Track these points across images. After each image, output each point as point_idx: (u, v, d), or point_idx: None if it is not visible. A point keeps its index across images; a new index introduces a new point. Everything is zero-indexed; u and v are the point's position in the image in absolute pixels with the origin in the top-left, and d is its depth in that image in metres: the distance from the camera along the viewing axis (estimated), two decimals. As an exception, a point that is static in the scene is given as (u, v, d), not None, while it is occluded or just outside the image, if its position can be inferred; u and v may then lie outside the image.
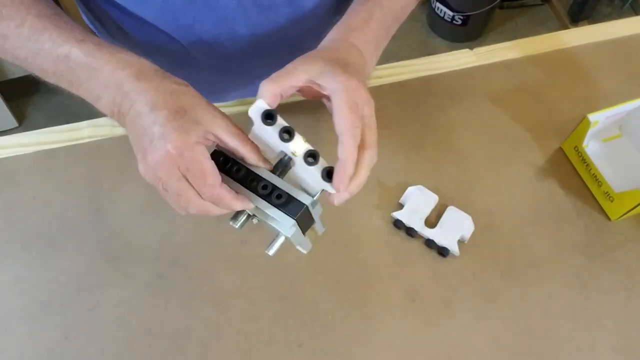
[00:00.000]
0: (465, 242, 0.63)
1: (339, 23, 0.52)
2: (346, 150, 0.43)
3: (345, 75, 0.44)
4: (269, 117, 0.43)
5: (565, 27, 2.09)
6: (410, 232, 0.62)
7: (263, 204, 0.45)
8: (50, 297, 0.59)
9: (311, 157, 0.44)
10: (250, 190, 0.45)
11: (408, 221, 0.62)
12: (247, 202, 0.44)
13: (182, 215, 0.63)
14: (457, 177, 0.67)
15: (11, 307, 0.58)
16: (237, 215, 0.47)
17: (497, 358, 0.57)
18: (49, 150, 0.68)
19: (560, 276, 0.61)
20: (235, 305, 0.59)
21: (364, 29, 0.51)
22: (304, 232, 0.47)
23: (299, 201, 0.45)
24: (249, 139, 0.45)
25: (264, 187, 0.45)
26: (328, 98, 0.45)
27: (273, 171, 0.46)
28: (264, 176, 0.46)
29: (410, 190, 0.64)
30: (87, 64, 0.43)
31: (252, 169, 0.46)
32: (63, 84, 0.46)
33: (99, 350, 0.56)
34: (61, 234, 0.62)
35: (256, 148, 0.45)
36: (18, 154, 0.68)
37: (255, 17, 0.56)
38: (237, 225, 0.47)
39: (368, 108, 0.45)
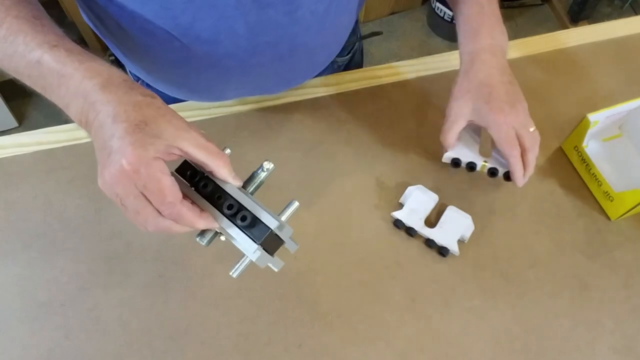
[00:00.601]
0: (465, 242, 0.63)
1: (463, 28, 0.63)
2: (512, 163, 0.60)
3: (493, 114, 0.58)
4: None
5: (565, 27, 2.09)
6: (410, 232, 0.62)
7: (227, 224, 0.44)
8: (50, 297, 0.59)
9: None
10: (216, 208, 0.44)
11: (408, 221, 0.62)
12: (212, 221, 0.43)
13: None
14: (457, 177, 0.67)
15: (11, 307, 0.58)
16: (203, 232, 0.45)
17: (497, 358, 0.57)
18: (49, 150, 0.68)
19: (560, 276, 0.61)
20: (234, 306, 0.59)
21: (484, 21, 0.61)
22: (271, 253, 0.45)
23: (264, 224, 0.43)
24: (219, 152, 0.43)
25: (229, 207, 0.43)
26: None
27: (244, 186, 0.45)
28: (231, 194, 0.44)
29: (410, 190, 0.64)
30: (57, 70, 0.42)
31: (221, 184, 0.44)
32: (37, 89, 0.45)
33: (99, 350, 0.56)
34: (61, 234, 0.62)
35: (226, 161, 0.44)
36: (18, 154, 0.68)
37: (255, 15, 0.56)
38: (204, 242, 0.45)
39: (522, 123, 0.59)
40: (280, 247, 0.46)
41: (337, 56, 0.80)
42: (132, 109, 0.40)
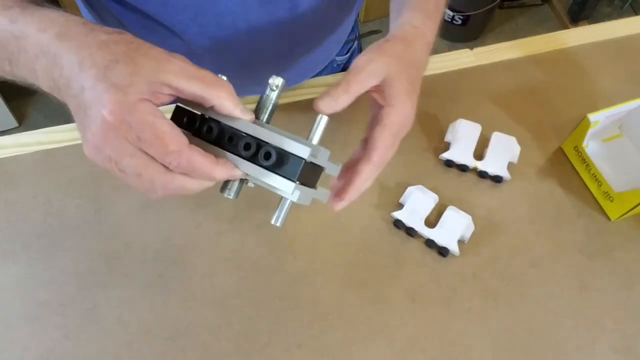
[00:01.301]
0: (465, 242, 0.63)
1: (407, 8, 0.49)
2: (366, 170, 0.43)
3: (405, 97, 0.43)
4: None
5: (565, 27, 2.09)
6: (410, 232, 0.62)
7: (251, 169, 0.36)
8: (50, 297, 0.59)
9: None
10: (231, 152, 0.36)
11: (408, 221, 0.62)
12: (232, 167, 0.36)
13: (182, 216, 0.63)
14: (457, 177, 0.67)
15: (11, 307, 0.58)
16: (226, 183, 0.38)
17: (497, 358, 0.57)
18: (49, 150, 0.68)
19: (560, 276, 0.61)
20: (234, 306, 0.59)
21: (425, 6, 0.49)
22: (313, 185, 0.38)
23: (295, 155, 0.35)
24: (217, 80, 0.35)
25: (247, 147, 0.35)
26: (379, 104, 0.44)
27: (256, 117, 0.38)
28: (244, 130, 0.36)
29: (410, 190, 0.64)
30: (11, 32, 0.36)
31: (229, 122, 0.36)
32: (5, 65, 0.38)
33: (99, 350, 0.56)
34: (61, 234, 0.62)
35: (229, 90, 0.35)
36: (18, 154, 0.68)
37: (256, 12, 0.56)
38: (231, 195, 0.38)
39: (404, 134, 0.45)
40: (322, 174, 0.39)
41: (336, 55, 0.80)
42: (98, 50, 0.33)
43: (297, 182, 0.36)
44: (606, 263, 0.62)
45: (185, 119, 0.37)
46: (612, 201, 0.64)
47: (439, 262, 0.62)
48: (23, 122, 1.78)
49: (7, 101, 1.69)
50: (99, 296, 0.59)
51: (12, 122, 1.74)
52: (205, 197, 0.43)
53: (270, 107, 0.39)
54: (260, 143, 0.36)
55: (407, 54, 0.45)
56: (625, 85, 0.76)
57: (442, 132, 0.70)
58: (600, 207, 0.66)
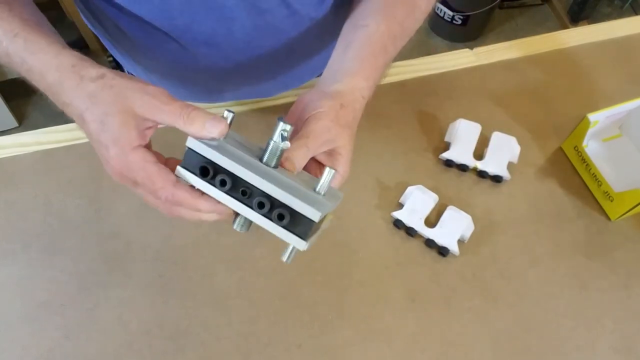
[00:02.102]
0: (465, 242, 0.63)
1: (351, 56, 0.50)
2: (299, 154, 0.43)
3: (349, 163, 0.47)
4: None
5: (565, 27, 2.09)
6: (410, 232, 0.62)
7: (264, 223, 0.39)
8: (50, 297, 0.59)
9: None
10: (247, 206, 0.39)
11: (408, 221, 0.62)
12: (215, 203, 0.40)
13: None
14: (457, 177, 0.67)
15: (11, 307, 0.58)
16: (236, 216, 0.41)
17: (497, 358, 0.57)
18: (49, 150, 0.68)
19: (560, 276, 0.61)
20: (234, 306, 0.59)
21: (371, 69, 0.50)
22: (318, 229, 0.42)
23: (307, 218, 0.38)
24: (180, 107, 0.39)
25: (260, 205, 0.38)
26: (318, 162, 0.47)
27: (262, 159, 0.40)
28: (257, 185, 0.38)
29: (410, 190, 0.64)
30: (20, 65, 0.43)
31: (237, 170, 0.38)
32: (21, 73, 0.45)
33: (99, 350, 0.56)
34: (61, 234, 0.62)
35: (200, 122, 0.39)
36: (18, 154, 0.68)
37: (253, 19, 0.56)
38: (242, 230, 0.41)
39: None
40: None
41: None
42: (91, 105, 0.40)
43: (307, 241, 0.39)
44: (606, 263, 0.62)
45: (200, 167, 0.39)
46: (612, 201, 0.64)
47: (439, 262, 0.62)
48: (23, 122, 1.78)
49: (7, 101, 1.69)
50: (99, 296, 0.59)
51: (12, 122, 1.74)
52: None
53: (279, 154, 0.40)
54: (273, 202, 0.38)
55: (354, 123, 0.48)
56: (625, 85, 0.76)
57: (442, 132, 0.70)
58: (600, 207, 0.66)
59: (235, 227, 0.41)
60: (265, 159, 0.40)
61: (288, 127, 0.39)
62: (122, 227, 0.63)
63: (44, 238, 0.62)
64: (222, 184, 0.39)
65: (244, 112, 0.72)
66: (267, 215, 0.39)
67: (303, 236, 0.39)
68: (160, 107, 0.39)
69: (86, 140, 0.68)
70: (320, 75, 0.76)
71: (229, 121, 0.40)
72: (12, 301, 0.58)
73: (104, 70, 0.41)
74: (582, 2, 2.00)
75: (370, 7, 0.53)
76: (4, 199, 0.64)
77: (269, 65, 0.65)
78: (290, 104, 0.72)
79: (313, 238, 0.40)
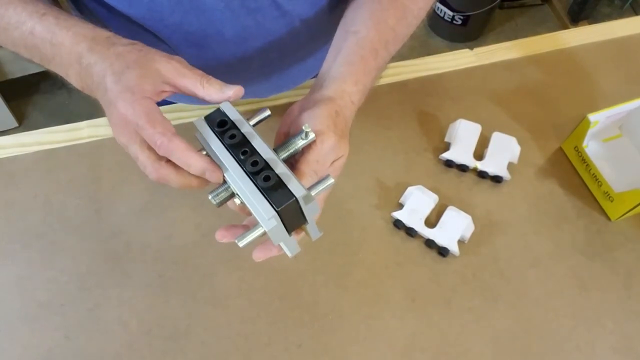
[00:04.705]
0: (465, 242, 0.63)
1: (340, 62, 0.49)
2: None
3: (339, 171, 0.46)
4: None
5: (565, 27, 2.09)
6: (410, 232, 0.62)
7: (245, 183, 0.38)
8: (50, 297, 0.59)
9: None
10: (237, 161, 0.39)
11: (408, 221, 0.62)
12: (207, 162, 0.40)
13: (182, 216, 0.63)
14: (457, 177, 0.67)
15: (11, 307, 0.58)
16: (216, 189, 0.41)
17: (497, 358, 0.57)
18: (49, 150, 0.68)
19: (560, 276, 0.61)
20: (234, 306, 0.59)
21: (360, 73, 0.50)
22: (289, 230, 0.39)
23: (289, 190, 0.37)
24: (200, 76, 0.43)
25: (254, 163, 0.38)
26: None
27: (276, 150, 0.41)
28: (261, 153, 0.39)
29: (410, 190, 0.64)
30: (48, 40, 0.44)
31: (252, 140, 0.40)
32: (36, 60, 0.46)
33: (99, 350, 0.56)
34: (61, 234, 0.62)
35: (218, 86, 0.43)
36: (18, 154, 0.68)
37: (243, 20, 0.56)
38: (215, 201, 0.41)
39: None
40: (301, 231, 0.41)
41: None
42: (116, 60, 0.42)
43: (277, 213, 0.37)
44: (606, 263, 0.62)
45: (217, 120, 0.42)
46: (612, 201, 0.64)
47: (439, 262, 0.62)
48: (23, 122, 1.77)
49: (7, 101, 1.69)
50: (99, 296, 0.59)
51: (12, 122, 1.74)
52: (206, 197, 0.43)
53: (291, 151, 0.41)
54: (266, 166, 0.39)
55: (347, 130, 0.48)
56: (625, 85, 0.76)
57: (442, 132, 0.70)
58: (600, 207, 0.66)
59: (211, 197, 0.41)
60: (279, 149, 0.42)
61: (311, 135, 0.41)
62: (122, 227, 0.63)
63: (44, 238, 0.62)
64: (232, 137, 0.40)
65: (243, 113, 0.72)
66: (253, 176, 0.39)
67: (276, 205, 0.37)
68: (184, 73, 0.42)
69: (86, 140, 0.69)
70: (315, 76, 0.76)
71: (261, 118, 0.45)
72: (12, 301, 0.58)
73: (136, 41, 0.44)
74: (582, 2, 1.99)
75: (361, 13, 0.53)
76: (4, 199, 0.64)
77: (261, 66, 0.65)
78: (286, 105, 0.73)
79: (277, 229, 0.38)
